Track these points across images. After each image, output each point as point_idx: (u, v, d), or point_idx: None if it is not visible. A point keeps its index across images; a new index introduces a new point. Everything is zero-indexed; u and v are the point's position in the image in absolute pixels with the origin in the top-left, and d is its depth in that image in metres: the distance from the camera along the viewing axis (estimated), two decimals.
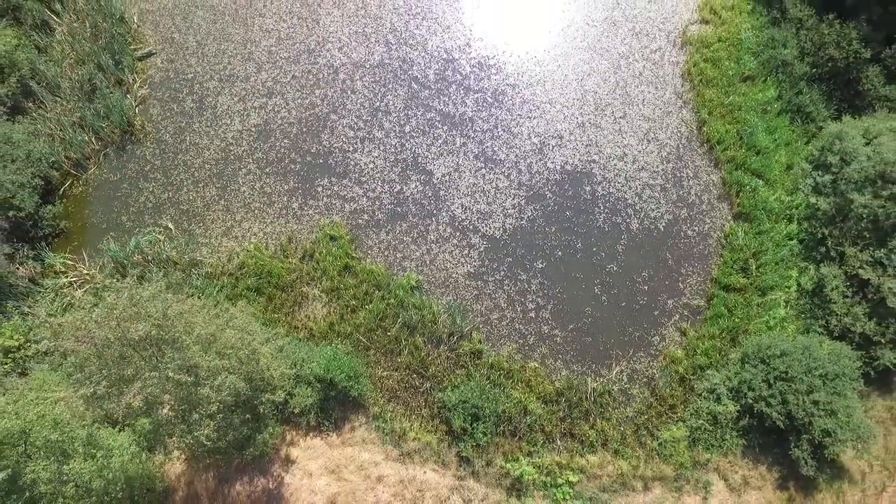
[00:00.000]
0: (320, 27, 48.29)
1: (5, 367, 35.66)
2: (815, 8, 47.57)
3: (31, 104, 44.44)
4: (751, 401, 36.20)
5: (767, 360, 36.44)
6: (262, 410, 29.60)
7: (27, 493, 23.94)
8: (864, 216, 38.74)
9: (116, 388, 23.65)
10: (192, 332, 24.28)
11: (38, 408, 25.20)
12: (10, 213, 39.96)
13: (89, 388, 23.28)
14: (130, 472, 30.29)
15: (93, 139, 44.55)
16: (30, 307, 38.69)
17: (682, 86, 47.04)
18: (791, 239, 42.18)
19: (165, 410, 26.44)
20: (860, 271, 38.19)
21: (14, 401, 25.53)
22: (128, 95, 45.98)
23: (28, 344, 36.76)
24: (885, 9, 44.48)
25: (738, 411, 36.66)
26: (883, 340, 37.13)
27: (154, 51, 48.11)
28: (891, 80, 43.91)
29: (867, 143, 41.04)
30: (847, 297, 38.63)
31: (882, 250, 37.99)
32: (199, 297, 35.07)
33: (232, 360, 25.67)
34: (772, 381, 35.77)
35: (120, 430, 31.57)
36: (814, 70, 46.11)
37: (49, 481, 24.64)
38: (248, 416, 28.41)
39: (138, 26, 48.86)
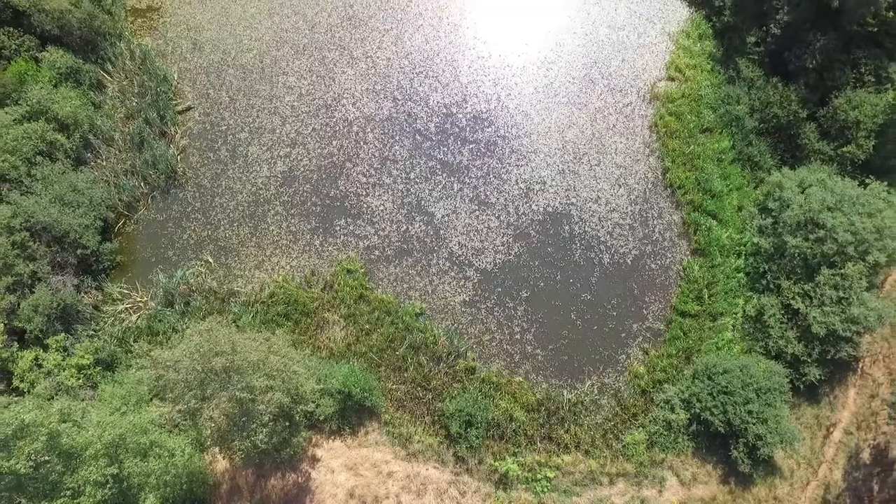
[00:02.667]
0: (336, 84, 55.75)
1: (78, 381, 42.87)
2: (764, 70, 55.04)
3: (90, 155, 51.81)
4: (698, 410, 43.50)
5: (712, 377, 43.72)
6: (296, 418, 36.84)
7: (125, 484, 31.12)
8: (796, 255, 46.15)
9: (200, 404, 30.95)
10: (249, 359, 31.57)
11: (131, 417, 32.47)
12: (78, 252, 47.23)
13: (184, 405, 30.59)
14: (190, 468, 37.54)
15: (142, 184, 51.90)
16: (94, 330, 46.02)
17: (649, 137, 54.48)
18: (739, 272, 49.60)
19: (222, 420, 33.66)
20: (792, 302, 45.59)
21: (114, 412, 32.84)
22: (171, 145, 53.36)
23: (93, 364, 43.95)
24: (820, 75, 51.97)
25: (688, 419, 43.95)
26: (809, 360, 44.54)
27: (192, 105, 55.54)
28: (824, 137, 51.40)
29: (802, 191, 48.39)
30: (782, 323, 46.00)
31: (810, 284, 45.38)
32: (239, 325, 42.54)
33: (277, 380, 32.97)
34: (715, 395, 43.07)
35: (176, 435, 38.88)
36: (761, 125, 53.57)
37: (139, 475, 31.90)
38: (287, 423, 35.59)
39: (178, 83, 56.25)
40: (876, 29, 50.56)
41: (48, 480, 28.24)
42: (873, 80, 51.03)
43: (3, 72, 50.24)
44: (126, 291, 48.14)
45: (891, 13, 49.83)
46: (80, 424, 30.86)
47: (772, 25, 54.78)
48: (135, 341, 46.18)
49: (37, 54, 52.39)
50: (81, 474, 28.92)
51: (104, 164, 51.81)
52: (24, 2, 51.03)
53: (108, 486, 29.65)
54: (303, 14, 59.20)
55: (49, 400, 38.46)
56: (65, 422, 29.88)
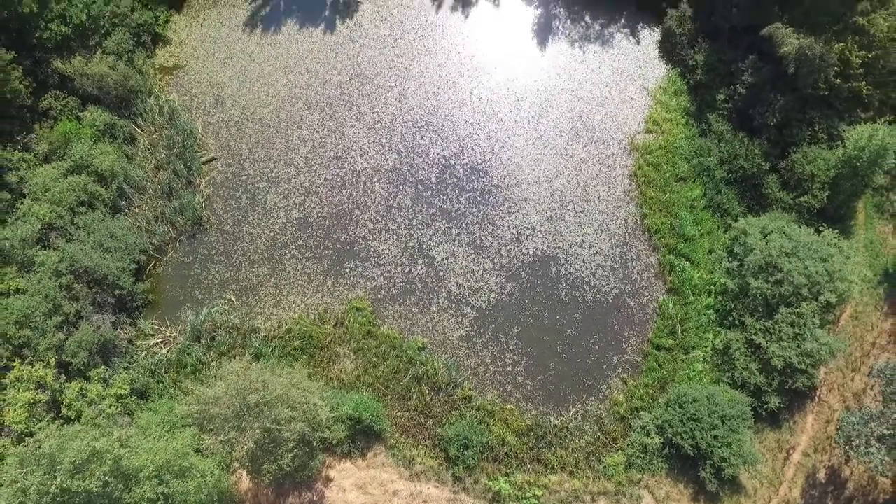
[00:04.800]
0: (346, 137, 61.67)
1: (117, 409, 48.12)
2: (732, 125, 60.91)
3: (124, 203, 57.57)
4: (671, 435, 48.78)
5: (683, 405, 49.07)
6: (314, 444, 42.12)
7: (169, 501, 36.34)
8: (758, 295, 51.73)
9: (237, 435, 36.35)
10: (276, 394, 36.97)
11: (174, 443, 37.81)
12: (116, 292, 52.78)
13: (225, 436, 35.98)
14: (219, 488, 42.73)
15: (170, 229, 57.60)
16: (129, 363, 51.40)
17: (629, 185, 60.26)
18: (709, 309, 55.13)
19: (251, 445, 38.93)
20: (755, 337, 51.10)
21: (158, 438, 38.21)
22: (196, 194, 59.08)
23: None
24: (780, 131, 57.94)
25: (662, 443, 49.22)
26: (770, 389, 49.94)
27: (216, 157, 61.38)
28: (784, 187, 57.17)
29: (764, 237, 54.05)
30: (746, 356, 51.45)
31: (770, 321, 50.93)
32: (260, 360, 48.02)
33: (299, 411, 38.35)
34: (685, 421, 48.40)
35: (206, 458, 44.10)
36: (730, 175, 59.33)
37: (180, 493, 37.14)
38: (306, 448, 40.84)
39: (203, 136, 62.11)
40: (827, 92, 56.54)
41: (112, 498, 33.49)
42: (826, 137, 56.93)
43: (51, 131, 56.21)
44: (157, 327, 53.63)
45: (838, 80, 55.87)
46: (134, 449, 36.16)
47: (738, 85, 60.74)
48: (165, 373, 51.69)
49: (79, 113, 58.32)
50: (138, 492, 34.21)
51: (137, 211, 57.58)
52: (70, 68, 57.05)
53: (159, 502, 34.93)
54: (315, 72, 65.28)
55: (93, 426, 43.87)
56: (123, 447, 35.19)
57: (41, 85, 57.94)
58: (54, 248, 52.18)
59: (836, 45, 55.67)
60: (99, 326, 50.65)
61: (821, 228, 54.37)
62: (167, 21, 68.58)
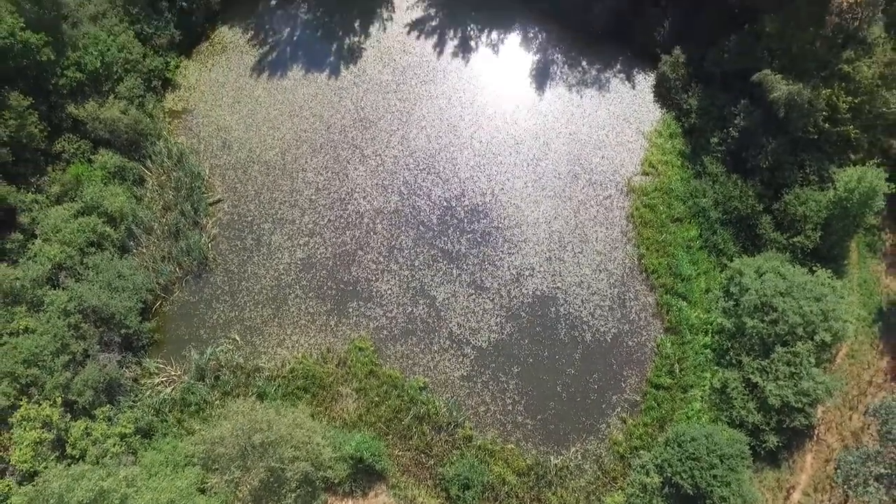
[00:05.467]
0: (349, 180, 63.24)
1: (121, 448, 48.61)
2: (726, 167, 62.46)
3: (132, 243, 58.81)
4: (670, 474, 48.97)
5: (682, 444, 49.39)
6: (317, 483, 42.60)
7: None
8: (754, 335, 52.56)
9: (242, 474, 36.96)
10: (280, 433, 37.68)
11: (177, 482, 38.35)
12: (122, 331, 53.68)
13: (230, 476, 36.59)
14: None
15: (177, 269, 58.74)
16: (134, 401, 52.04)
17: (626, 226, 61.55)
18: (706, 349, 55.89)
19: (256, 484, 39.47)
20: (751, 376, 51.77)
21: (164, 477, 38.78)
22: (203, 234, 60.37)
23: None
24: (772, 173, 59.44)
25: (661, 482, 49.42)
26: (767, 428, 50.42)
27: (222, 198, 62.86)
28: (778, 228, 58.48)
29: (759, 277, 55.11)
30: (743, 395, 52.02)
31: (766, 360, 51.66)
32: (265, 401, 48.70)
33: (302, 451, 38.99)
34: (684, 460, 48.67)
35: (209, 497, 44.51)
36: (725, 216, 60.67)
37: None
38: (309, 488, 41.31)
39: (210, 178, 63.69)
40: (817, 136, 58.24)
41: None
42: (817, 179, 58.41)
43: (63, 173, 57.79)
44: (162, 366, 54.38)
45: (827, 124, 57.63)
46: (139, 489, 36.74)
47: (731, 128, 62.46)
48: (169, 412, 52.26)
49: (90, 156, 59.98)
50: None
51: (145, 251, 58.78)
52: (83, 112, 58.91)
53: None
54: (320, 116, 67.21)
55: (97, 464, 44.43)
56: (129, 486, 35.76)
57: (55, 129, 59.64)
58: (63, 288, 53.26)
59: (824, 91, 57.53)
60: (105, 365, 51.43)
61: (814, 268, 55.42)
62: (177, 66, 70.72)
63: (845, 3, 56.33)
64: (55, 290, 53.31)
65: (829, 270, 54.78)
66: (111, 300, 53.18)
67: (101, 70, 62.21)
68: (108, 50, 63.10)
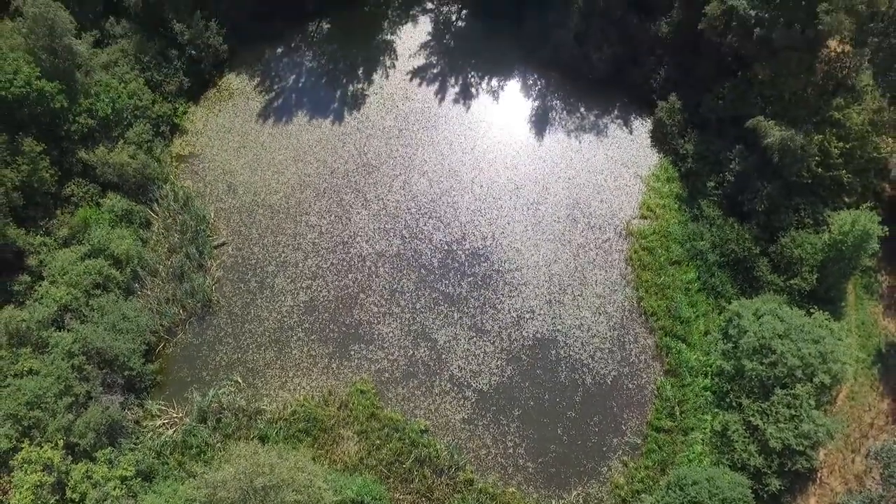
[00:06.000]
0: (352, 224, 64.35)
1: (122, 491, 48.50)
2: (723, 210, 63.50)
3: (137, 285, 59.64)
4: None
5: (684, 487, 49.23)
6: None
7: None
8: (754, 377, 52.83)
9: None
10: (282, 477, 37.84)
11: None
12: (125, 373, 54.09)
13: None
14: None
15: (181, 311, 59.41)
16: (135, 443, 52.10)
17: (625, 269, 62.34)
18: (706, 391, 56.08)
19: None
20: (752, 419, 51.86)
21: None
22: (207, 277, 61.18)
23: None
24: (768, 217, 60.48)
25: None
26: (769, 471, 50.28)
27: (227, 241, 63.86)
28: (775, 270, 59.24)
29: (757, 319, 55.57)
30: (744, 438, 52.01)
31: (766, 403, 51.83)
32: (267, 443, 48.83)
33: (304, 494, 39.08)
34: None
35: None
36: (722, 258, 61.45)
37: None
38: None
39: (214, 221, 64.79)
40: (810, 180, 59.44)
41: None
42: (812, 222, 59.40)
43: (72, 216, 58.99)
44: (164, 408, 54.61)
45: (820, 169, 58.90)
46: None
47: (727, 173, 63.69)
48: (170, 454, 52.30)
49: (99, 200, 61.23)
50: None
51: (149, 293, 59.54)
52: (93, 157, 60.38)
53: None
54: (323, 161, 68.69)
55: None
56: None
57: (66, 173, 61.00)
58: (69, 330, 53.82)
59: (816, 137, 58.91)
60: (108, 407, 51.61)
61: (812, 310, 55.91)
62: (185, 112, 72.55)
63: (833, 53, 58.10)
64: (60, 331, 53.87)
65: (827, 312, 55.30)
66: (115, 342, 53.71)
67: (112, 116, 63.98)
68: (119, 97, 65.01)
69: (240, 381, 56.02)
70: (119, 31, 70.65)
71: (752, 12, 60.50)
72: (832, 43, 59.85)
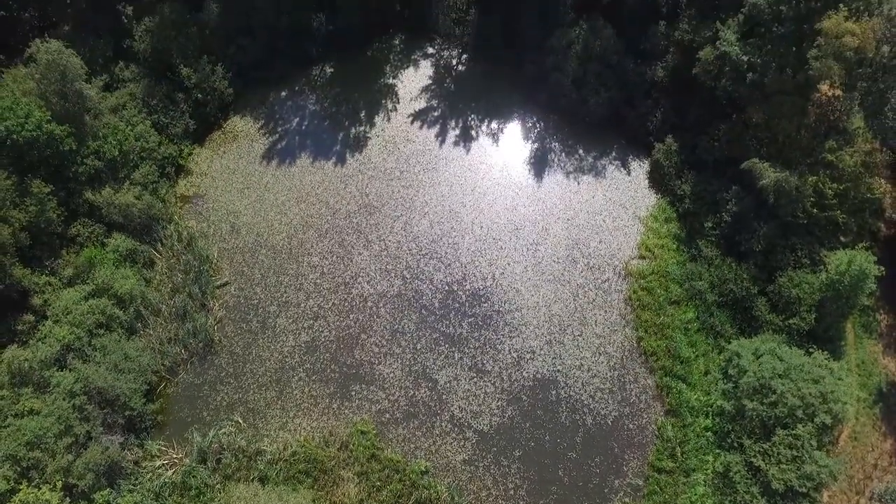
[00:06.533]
0: (354, 264, 64.99)
1: None
2: (721, 250, 64.16)
3: (140, 325, 59.96)
4: None
5: None
6: None
7: None
8: (754, 417, 52.82)
9: None
10: None
11: None
12: (126, 413, 54.11)
13: None
14: None
15: (183, 351, 59.63)
16: (134, 485, 51.83)
17: (625, 309, 62.72)
18: (707, 431, 55.94)
19: None
20: (754, 459, 51.67)
21: None
22: (209, 316, 61.54)
23: None
24: (766, 256, 61.15)
25: None
26: None
27: (229, 281, 64.40)
28: (773, 310, 59.61)
29: (757, 359, 55.74)
30: (747, 479, 51.77)
31: (768, 443, 51.72)
32: (267, 485, 48.64)
33: None
34: None
35: None
36: (721, 298, 61.88)
37: None
38: None
39: (218, 261, 65.42)
40: (806, 220, 60.29)
41: None
42: (809, 262, 60.00)
43: (77, 256, 59.68)
44: (164, 448, 54.46)
45: (815, 209, 59.79)
46: None
47: (724, 213, 64.53)
48: (169, 496, 52.00)
49: (104, 240, 61.98)
50: None
51: (152, 333, 59.84)
52: (100, 198, 61.37)
53: None
54: (326, 202, 69.67)
55: None
56: None
57: (72, 213, 61.89)
58: (70, 369, 53.99)
59: (810, 178, 59.96)
60: (107, 448, 51.53)
61: (811, 350, 56.12)
62: (190, 154, 73.77)
63: (824, 97, 59.47)
64: (62, 371, 54.03)
65: (826, 352, 55.48)
66: (117, 382, 53.90)
67: (119, 158, 65.15)
68: (126, 139, 66.32)
69: (240, 421, 55.96)
70: (128, 76, 72.43)
71: (745, 58, 62.13)
72: (823, 87, 61.24)
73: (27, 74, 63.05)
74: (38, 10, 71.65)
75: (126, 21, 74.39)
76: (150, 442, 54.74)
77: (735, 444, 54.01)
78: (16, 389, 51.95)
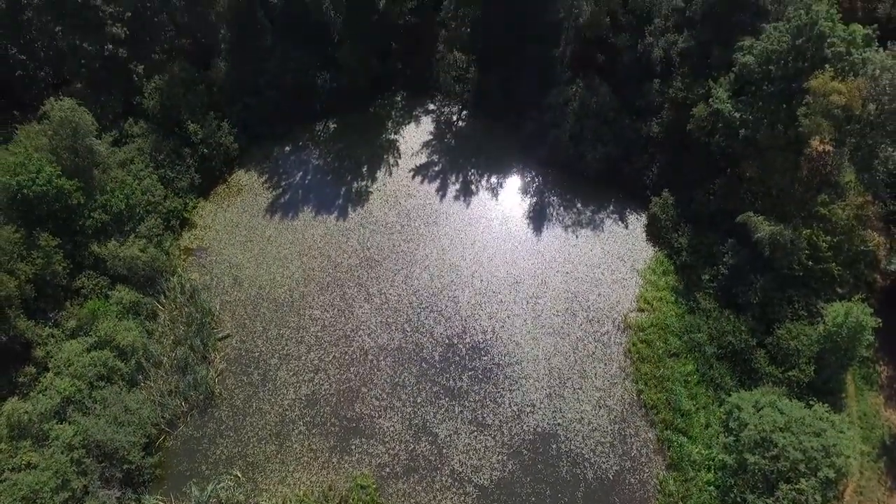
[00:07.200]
0: (355, 317, 65.49)
1: None
2: (718, 302, 64.74)
3: (141, 377, 60.08)
4: None
5: None
6: None
7: None
8: (757, 471, 52.34)
9: None
10: None
11: None
12: (124, 466, 53.78)
13: None
14: None
15: (183, 403, 59.61)
16: None
17: (624, 362, 62.88)
18: (710, 486, 55.38)
19: None
20: None
21: None
22: (210, 369, 61.73)
23: None
24: (763, 309, 61.67)
25: None
26: None
27: (231, 334, 64.79)
28: (773, 362, 59.77)
29: (757, 411, 55.58)
30: None
31: (771, 499, 51.12)
32: None
33: None
34: None
35: None
36: (720, 350, 62.11)
37: None
38: None
39: (220, 314, 65.97)
40: (802, 273, 61.04)
41: None
42: (806, 314, 60.48)
43: (81, 308, 60.23)
44: (161, 503, 53.82)
45: (810, 262, 60.62)
46: None
47: (720, 266, 65.45)
48: None
49: (108, 292, 62.68)
50: None
51: (153, 385, 59.91)
52: (105, 251, 62.33)
53: None
54: (328, 255, 70.62)
55: None
56: None
57: (77, 266, 62.80)
58: (70, 422, 53.96)
59: (805, 231, 61.01)
60: (104, 503, 51.13)
61: (811, 402, 55.97)
62: (195, 207, 75.18)
63: (815, 152, 60.91)
64: (62, 423, 53.99)
65: (827, 404, 55.30)
66: (116, 435, 53.78)
67: (125, 211, 66.47)
68: (133, 193, 67.77)
69: (239, 475, 55.53)
70: (137, 131, 74.43)
71: (737, 115, 64.02)
72: (814, 142, 62.66)
73: (40, 131, 64.91)
74: (54, 69, 74.11)
75: (137, 79, 76.83)
76: (147, 496, 54.16)
77: (738, 500, 53.31)
78: (14, 443, 51.91)
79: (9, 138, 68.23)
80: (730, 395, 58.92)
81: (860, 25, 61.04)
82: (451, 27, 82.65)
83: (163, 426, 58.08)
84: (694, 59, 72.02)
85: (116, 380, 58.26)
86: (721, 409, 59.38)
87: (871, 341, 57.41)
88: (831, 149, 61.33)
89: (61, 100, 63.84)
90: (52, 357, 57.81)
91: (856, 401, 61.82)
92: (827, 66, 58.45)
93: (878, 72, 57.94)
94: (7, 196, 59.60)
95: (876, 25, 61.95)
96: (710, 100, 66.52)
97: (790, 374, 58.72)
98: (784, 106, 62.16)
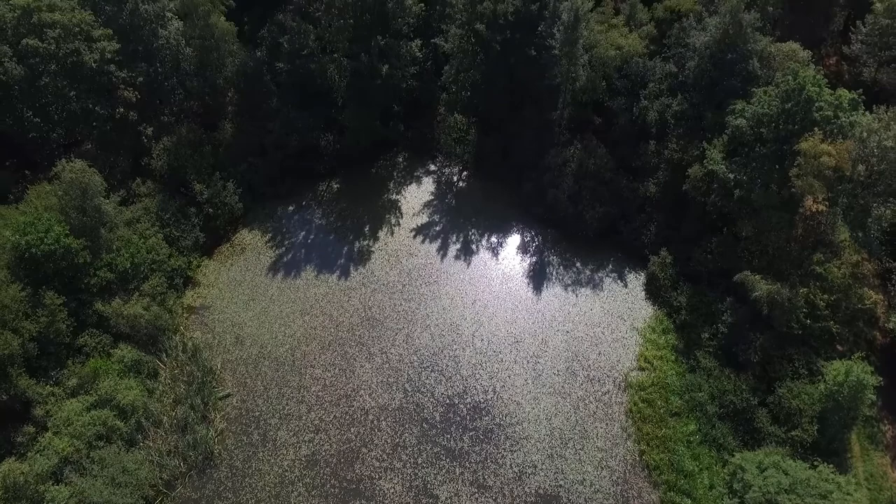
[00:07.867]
0: (356, 377, 65.50)
1: None
2: (719, 360, 64.74)
3: (140, 436, 59.71)
4: None
5: None
6: None
7: None
8: None
9: None
10: None
11: None
12: None
13: None
14: None
15: (181, 463, 59.09)
16: None
17: (626, 422, 62.49)
18: None
19: None
20: None
21: None
22: (210, 428, 61.32)
23: None
24: (763, 367, 61.72)
25: None
26: None
27: (232, 393, 64.68)
28: (775, 421, 59.45)
29: (761, 472, 54.91)
30: None
31: None
32: None
33: None
34: None
35: None
36: (721, 409, 61.78)
37: None
38: None
39: (221, 373, 65.98)
40: (801, 331, 61.36)
41: None
42: (806, 372, 60.53)
43: (82, 366, 60.37)
44: None
45: (809, 320, 61.03)
46: None
47: (720, 324, 65.79)
48: None
49: (110, 350, 62.90)
50: None
51: (151, 444, 59.59)
52: (109, 309, 62.91)
53: None
54: (329, 314, 71.08)
55: None
56: None
57: (81, 324, 63.15)
58: (66, 483, 53.41)
59: (802, 290, 61.59)
60: None
61: (816, 463, 55.27)
62: (198, 265, 76.05)
63: (809, 211, 61.99)
64: (58, 485, 53.44)
65: (832, 465, 54.59)
66: (112, 497, 53.22)
67: (130, 270, 67.28)
68: (139, 252, 68.75)
69: None
70: (144, 191, 76.03)
71: (731, 175, 65.45)
72: (808, 201, 63.96)
73: (51, 191, 66.34)
74: (66, 130, 76.24)
75: (146, 140, 78.88)
76: None
77: None
78: None
79: (20, 197, 69.79)
80: (733, 456, 58.42)
81: (846, 90, 63.08)
82: (451, 91, 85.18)
83: (161, 487, 57.41)
84: (688, 121, 74.06)
85: (115, 439, 57.89)
86: (724, 470, 58.72)
87: (873, 400, 57.27)
88: (825, 208, 62.57)
89: (72, 161, 65.58)
90: (51, 416, 57.56)
91: (861, 461, 61.04)
92: (816, 128, 60.12)
93: (865, 134, 59.67)
94: (16, 255, 60.60)
95: (861, 90, 63.97)
96: (705, 161, 68.14)
97: (793, 433, 58.32)
98: (777, 167, 63.64)
